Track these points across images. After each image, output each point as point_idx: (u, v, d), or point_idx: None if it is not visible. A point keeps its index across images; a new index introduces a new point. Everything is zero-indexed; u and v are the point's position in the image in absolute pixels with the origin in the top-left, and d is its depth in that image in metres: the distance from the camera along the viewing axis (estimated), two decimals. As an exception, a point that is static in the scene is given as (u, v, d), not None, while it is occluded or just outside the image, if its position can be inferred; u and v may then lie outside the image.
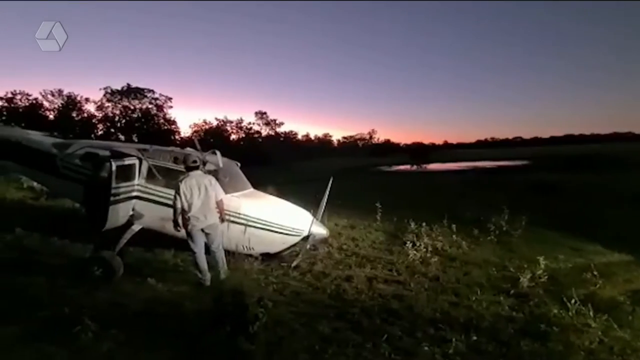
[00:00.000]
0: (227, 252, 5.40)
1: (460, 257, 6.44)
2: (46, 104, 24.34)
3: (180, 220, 4.85)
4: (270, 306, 3.81)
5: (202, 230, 4.84)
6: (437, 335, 3.71)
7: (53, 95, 25.24)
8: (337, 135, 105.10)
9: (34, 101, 23.69)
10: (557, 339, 3.70)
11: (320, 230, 6.12)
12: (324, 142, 66.14)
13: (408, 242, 6.54)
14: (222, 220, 5.05)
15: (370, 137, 77.68)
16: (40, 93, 24.85)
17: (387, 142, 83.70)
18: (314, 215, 6.29)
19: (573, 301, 4.26)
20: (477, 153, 75.14)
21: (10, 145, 6.16)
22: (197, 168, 4.93)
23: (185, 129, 38.44)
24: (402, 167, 43.31)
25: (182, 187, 4.73)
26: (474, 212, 9.80)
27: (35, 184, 10.31)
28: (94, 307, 3.68)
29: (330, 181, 6.27)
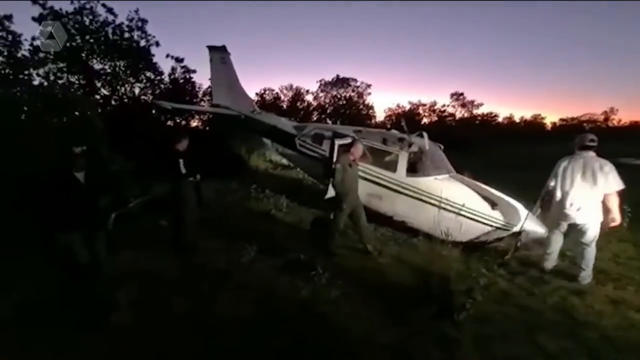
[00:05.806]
0: (426, 235, 5.42)
1: None
2: (282, 96, 31.62)
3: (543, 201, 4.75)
4: (480, 300, 3.62)
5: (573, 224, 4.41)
6: None
7: (286, 89, 32.50)
8: (551, 118, 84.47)
9: (275, 94, 31.31)
10: None
11: (536, 228, 5.18)
12: (533, 125, 54.02)
13: (688, 267, 4.57)
14: (610, 222, 4.15)
15: (606, 119, 56.43)
16: (279, 88, 32.59)
17: (635, 124, 59.25)
18: (529, 209, 5.36)
19: None
20: None
21: (269, 127, 8.34)
22: (592, 148, 4.29)
23: (379, 113, 40.66)
24: (664, 160, 30.25)
25: (562, 166, 4.42)
26: None
27: (273, 157, 13.60)
28: (321, 259, 4.52)
29: None
